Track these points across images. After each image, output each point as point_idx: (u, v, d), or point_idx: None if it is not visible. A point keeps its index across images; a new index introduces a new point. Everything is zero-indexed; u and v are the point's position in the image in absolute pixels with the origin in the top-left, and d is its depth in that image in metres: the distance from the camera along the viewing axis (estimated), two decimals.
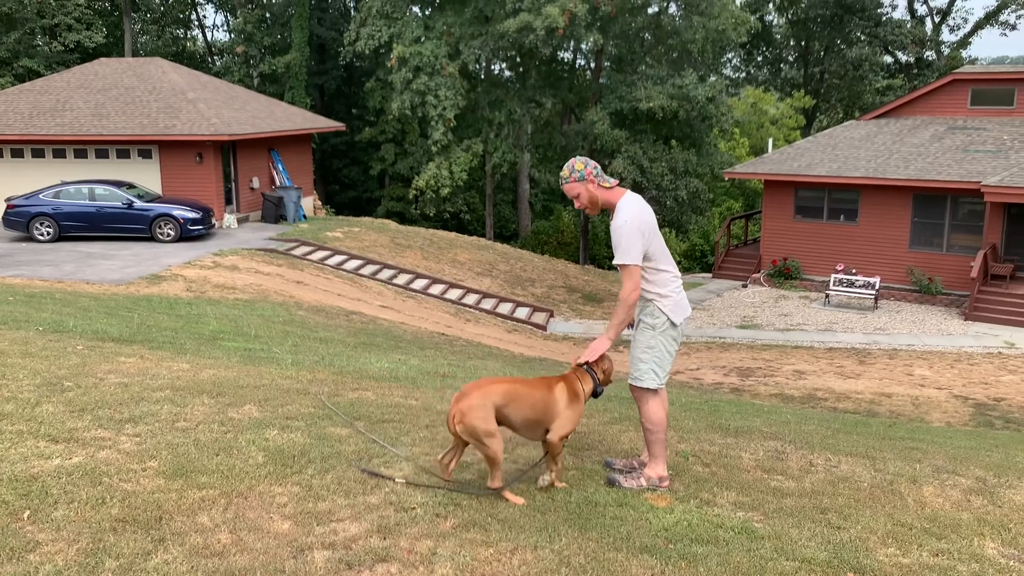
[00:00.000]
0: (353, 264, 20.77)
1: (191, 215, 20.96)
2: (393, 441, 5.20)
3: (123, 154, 23.75)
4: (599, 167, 4.70)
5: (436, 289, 20.68)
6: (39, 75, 34.28)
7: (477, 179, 39.64)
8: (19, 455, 4.45)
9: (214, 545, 3.58)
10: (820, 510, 4.61)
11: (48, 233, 20.54)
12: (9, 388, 5.79)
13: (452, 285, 21.26)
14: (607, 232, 37.58)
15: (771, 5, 46.10)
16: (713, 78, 33.75)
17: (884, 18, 42.77)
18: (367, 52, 32.88)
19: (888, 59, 45.17)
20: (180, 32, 49.83)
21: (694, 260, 36.85)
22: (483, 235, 36.36)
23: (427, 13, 34.29)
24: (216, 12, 56.31)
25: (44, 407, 5.37)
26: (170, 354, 8.02)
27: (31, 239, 20.57)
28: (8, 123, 23.59)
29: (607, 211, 4.71)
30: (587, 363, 4.66)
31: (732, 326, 20.51)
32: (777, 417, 8.62)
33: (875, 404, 13.60)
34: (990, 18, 44.15)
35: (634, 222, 4.51)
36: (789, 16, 45.90)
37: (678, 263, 34.94)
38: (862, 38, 42.48)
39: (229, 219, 23.76)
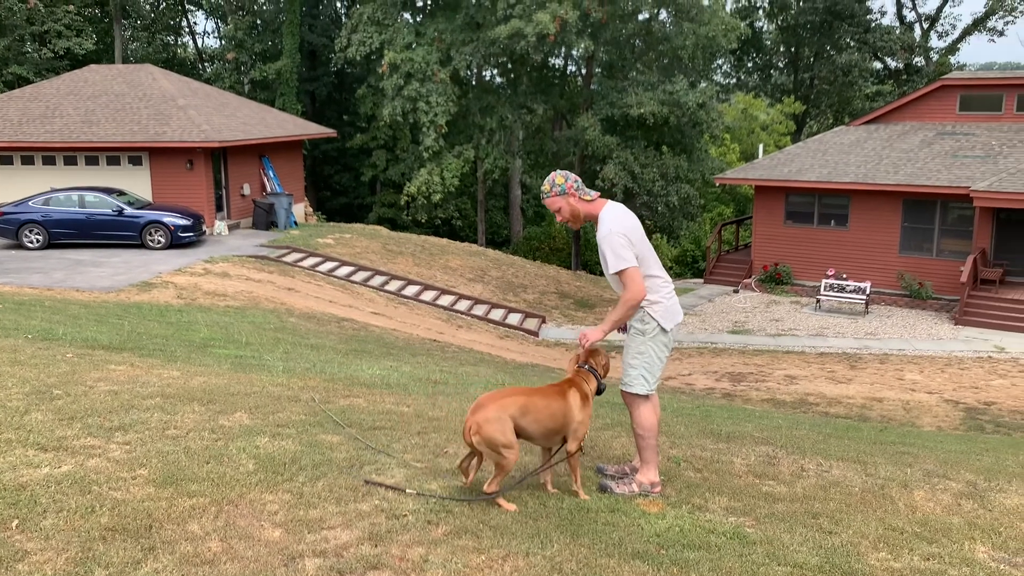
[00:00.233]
0: (344, 270, 20.74)
1: (182, 222, 20.90)
2: (385, 448, 5.18)
3: (113, 161, 23.68)
4: (580, 180, 4.72)
5: (428, 295, 20.66)
6: (29, 82, 34.16)
7: (469, 185, 39.65)
8: (8, 464, 4.42)
9: (204, 553, 3.56)
10: (812, 515, 4.61)
11: (37, 240, 20.44)
12: None
13: (444, 291, 21.24)
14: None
15: (761, 12, 46.33)
16: (704, 84, 33.89)
17: (873, 24, 43.02)
18: (358, 58, 32.88)
19: (877, 65, 45.42)
20: (170, 39, 49.77)
21: (685, 266, 36.92)
22: (475, 241, 36.38)
23: (418, 19, 34.34)
24: (207, 19, 56.32)
25: (33, 415, 5.34)
26: (160, 362, 7.99)
27: (20, 246, 20.47)
28: None
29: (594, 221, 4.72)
30: (588, 363, 4.69)
31: (723, 331, 20.54)
32: (768, 422, 8.63)
33: (866, 409, 13.64)
34: (978, 24, 44.45)
35: (619, 229, 4.53)
36: (779, 22, 46.13)
37: (669, 269, 35.08)
38: (851, 44, 42.70)
39: (220, 226, 23.70)
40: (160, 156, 23.39)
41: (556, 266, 30.80)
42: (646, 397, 4.71)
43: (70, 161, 23.76)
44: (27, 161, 23.88)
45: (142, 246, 20.72)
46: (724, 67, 48.97)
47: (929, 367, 16.96)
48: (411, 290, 20.68)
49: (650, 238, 36.04)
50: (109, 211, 20.64)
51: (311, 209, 31.28)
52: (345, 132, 40.13)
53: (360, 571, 3.50)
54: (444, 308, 20.12)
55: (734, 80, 50.42)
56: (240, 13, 42.75)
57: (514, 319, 20.67)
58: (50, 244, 20.52)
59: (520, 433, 4.38)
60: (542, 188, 4.73)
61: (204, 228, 22.15)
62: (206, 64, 48.50)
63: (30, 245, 20.40)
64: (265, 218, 24.73)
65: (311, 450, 5.01)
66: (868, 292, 21.88)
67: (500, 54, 31.07)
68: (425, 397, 7.37)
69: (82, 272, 17.43)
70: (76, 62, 36.29)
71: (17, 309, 11.69)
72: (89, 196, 20.78)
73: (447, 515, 4.12)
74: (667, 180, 30.58)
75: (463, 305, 20.68)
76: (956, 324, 20.42)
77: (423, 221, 36.57)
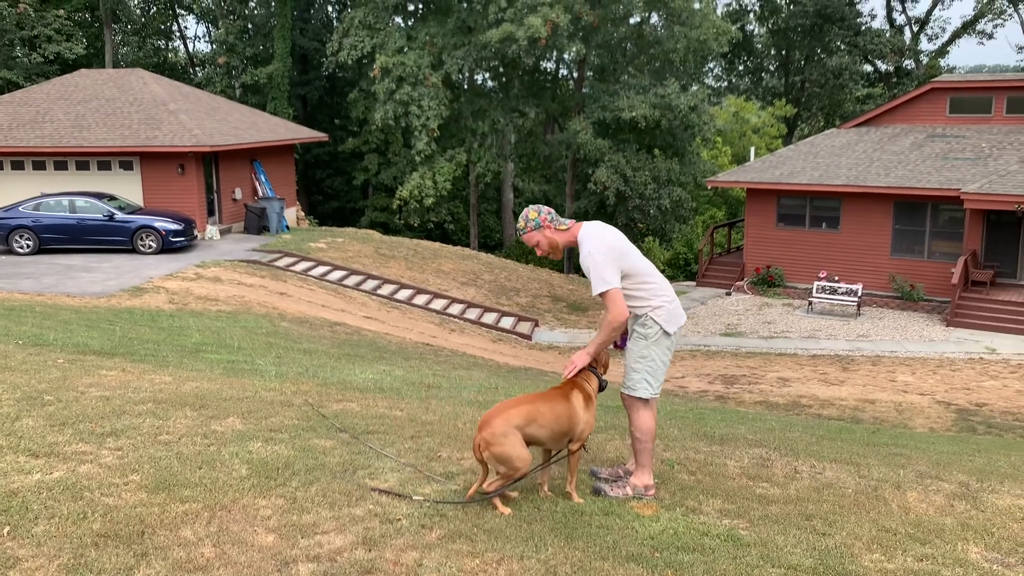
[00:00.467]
0: (337, 275, 20.70)
1: (173, 227, 20.84)
2: (378, 452, 5.17)
3: (104, 166, 23.60)
4: (553, 212, 4.73)
5: (421, 299, 20.64)
6: (18, 87, 34.04)
7: (461, 189, 39.65)
8: None
9: (197, 559, 3.54)
10: (805, 517, 4.62)
11: (28, 246, 20.35)
12: None
13: (437, 295, 21.23)
14: None
15: (752, 15, 46.49)
16: (695, 87, 33.95)
17: (863, 27, 43.21)
18: (350, 62, 32.87)
19: (868, 68, 45.62)
20: (161, 43, 49.66)
21: (678, 268, 36.97)
22: (467, 245, 36.36)
23: (410, 24, 34.34)
24: (198, 23, 56.18)
25: (24, 421, 5.31)
26: (152, 367, 7.96)
27: (10, 252, 20.37)
28: None
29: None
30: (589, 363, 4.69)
31: (716, 334, 20.58)
32: (762, 424, 8.65)
33: (859, 410, 13.68)
34: (967, 27, 44.69)
35: (599, 248, 4.52)
36: (770, 26, 46.29)
37: (662, 271, 35.06)
38: (842, 47, 42.88)
39: (211, 230, 23.64)
40: (151, 161, 23.32)
41: (549, 269, 30.80)
42: (646, 401, 4.71)
43: (60, 166, 23.67)
44: (17, 166, 23.78)
45: (133, 251, 20.65)
46: (715, 70, 49.10)
47: (921, 368, 17.02)
48: (404, 294, 20.66)
49: (642, 241, 36.16)
50: (100, 216, 20.57)
51: (303, 213, 31.24)
52: (337, 136, 40.10)
53: None
54: (437, 312, 20.10)
55: (725, 83, 50.57)
56: (231, 17, 42.68)
57: (507, 323, 20.67)
58: (41, 249, 20.44)
59: (529, 441, 4.40)
60: (517, 225, 4.76)
61: (195, 233, 22.09)
62: (197, 68, 48.39)
63: (20, 250, 20.31)
64: (257, 222, 24.68)
65: (304, 455, 4.99)
66: (860, 294, 21.95)
67: (492, 58, 31.10)
68: (418, 401, 7.36)
69: (73, 277, 17.36)
70: (66, 67, 36.16)
71: (7, 315, 11.63)
72: (80, 201, 20.71)
73: (441, 519, 4.11)
74: (659, 183, 30.64)
75: (456, 309, 20.67)
76: (947, 326, 20.50)
77: (415, 225, 36.56)
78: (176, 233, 20.84)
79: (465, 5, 31.68)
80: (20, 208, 20.58)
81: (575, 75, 35.23)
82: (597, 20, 29.79)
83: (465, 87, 35.28)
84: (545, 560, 3.72)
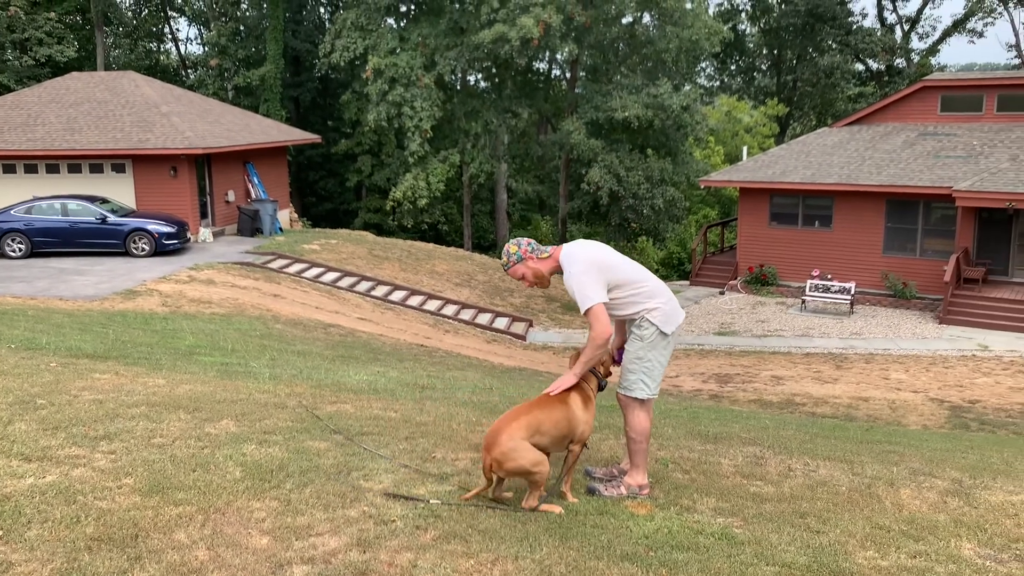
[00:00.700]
0: (331, 276, 20.68)
1: (166, 229, 20.79)
2: (372, 453, 5.17)
3: (96, 169, 23.54)
4: (533, 242, 4.73)
5: (415, 300, 20.63)
6: (9, 90, 33.91)
7: (454, 190, 39.63)
8: None
9: (191, 562, 3.53)
10: (799, 514, 4.63)
11: (20, 249, 20.28)
12: None
13: (431, 296, 21.22)
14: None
15: (743, 15, 46.58)
16: (687, 87, 34.03)
17: (855, 26, 43.33)
18: (342, 64, 32.83)
19: (859, 67, 45.74)
20: (153, 45, 49.51)
21: (671, 268, 37.03)
22: (461, 246, 36.35)
23: (402, 25, 34.33)
24: (189, 25, 56.11)
25: (17, 425, 5.29)
26: (145, 370, 7.94)
27: (2, 256, 20.29)
28: None
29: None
30: None
31: (710, 333, 20.61)
32: (755, 423, 8.67)
33: (852, 408, 13.71)
34: (958, 26, 44.84)
35: (579, 266, 4.52)
36: (761, 25, 46.39)
37: (655, 271, 35.16)
38: (833, 46, 42.99)
39: (204, 233, 23.59)
40: (143, 163, 23.26)
41: None
42: (642, 402, 4.71)
43: (52, 169, 23.60)
44: (8, 170, 23.70)
45: (126, 254, 20.59)
46: (707, 70, 49.20)
47: (914, 366, 17.07)
48: (398, 295, 20.65)
49: (636, 241, 36.20)
50: (92, 219, 20.51)
51: (296, 215, 31.18)
52: (330, 138, 40.05)
53: None
54: (431, 313, 20.09)
55: (718, 83, 50.66)
56: (223, 19, 42.59)
57: (501, 323, 20.67)
58: (33, 253, 20.37)
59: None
60: (501, 262, 4.77)
61: (189, 235, 22.04)
62: (189, 71, 48.27)
63: (12, 254, 20.24)
64: (250, 225, 24.64)
65: (298, 457, 4.99)
66: (853, 292, 22.01)
67: (484, 58, 31.10)
68: (413, 402, 7.36)
69: (66, 281, 17.30)
70: (58, 69, 36.03)
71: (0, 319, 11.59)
72: (72, 204, 20.65)
73: (436, 520, 4.11)
74: (652, 183, 30.67)
75: (450, 310, 20.66)
76: (940, 323, 20.57)
77: (409, 226, 36.53)
78: (169, 236, 20.79)
79: (457, 6, 31.68)
80: (12, 212, 20.51)
81: (568, 75, 35.26)
82: (589, 20, 29.82)
83: (458, 88, 35.28)
84: (540, 560, 3.72)
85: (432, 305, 20.64)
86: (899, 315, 21.71)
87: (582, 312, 4.49)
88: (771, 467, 5.70)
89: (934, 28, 46.97)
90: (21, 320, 11.65)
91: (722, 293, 24.90)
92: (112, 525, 3.83)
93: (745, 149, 34.98)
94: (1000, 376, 16.12)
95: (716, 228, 30.47)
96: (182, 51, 51.36)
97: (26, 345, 9.01)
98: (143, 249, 20.56)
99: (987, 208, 21.07)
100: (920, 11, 45.92)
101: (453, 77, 34.00)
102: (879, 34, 43.81)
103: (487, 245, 41.70)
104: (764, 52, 48.09)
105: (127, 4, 46.68)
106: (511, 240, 4.77)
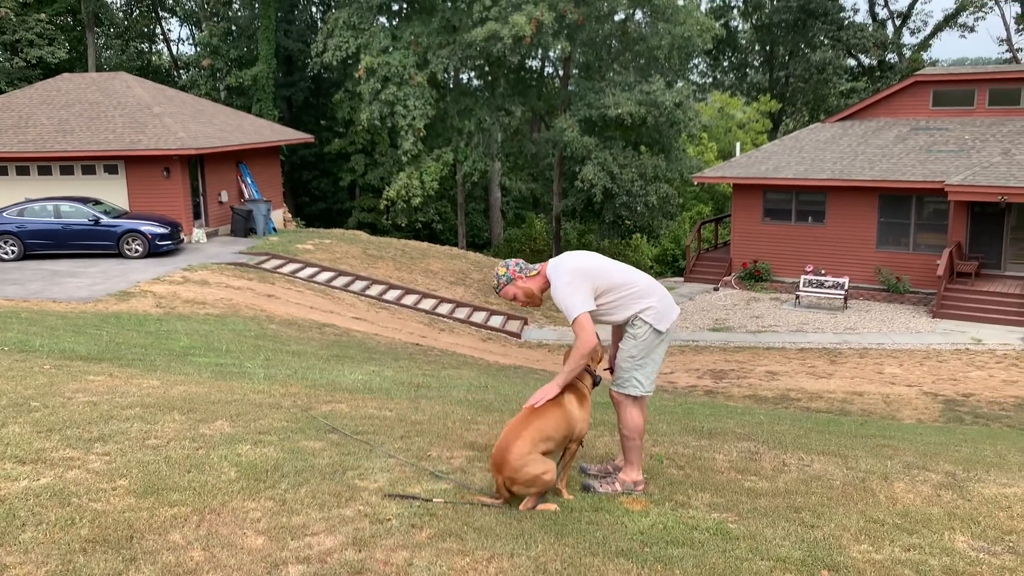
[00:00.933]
0: (325, 276, 20.66)
1: (159, 230, 20.75)
2: (368, 452, 5.17)
3: (88, 170, 23.46)
4: (521, 262, 4.76)
5: (409, 299, 20.62)
6: (0, 92, 33.79)
7: (448, 188, 39.62)
8: None
9: (187, 563, 3.53)
10: (794, 509, 4.65)
11: (12, 252, 20.22)
12: None
13: (425, 295, 21.21)
14: (580, 238, 37.72)
15: (735, 11, 46.62)
16: (680, 84, 34.06)
17: (846, 22, 43.41)
18: (335, 63, 32.79)
19: (851, 62, 45.83)
20: (144, 46, 49.38)
21: (666, 265, 37.06)
22: (455, 244, 36.35)
23: (394, 23, 34.29)
24: (181, 25, 55.85)
25: (10, 428, 5.28)
26: (140, 371, 7.93)
27: None
28: None
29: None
30: None
31: (705, 329, 20.64)
32: (750, 418, 8.69)
33: (847, 403, 13.75)
34: (949, 21, 44.96)
35: (564, 277, 4.53)
36: (753, 21, 46.44)
37: (649, 268, 35.18)
38: (825, 42, 43.07)
39: (198, 234, 23.54)
40: (136, 164, 23.20)
41: None
42: (635, 399, 4.72)
43: (44, 171, 23.52)
44: (0, 172, 23.61)
45: (119, 255, 20.55)
46: (700, 66, 49.25)
47: (908, 360, 17.13)
48: (392, 294, 20.63)
49: (630, 238, 36.23)
50: (85, 220, 20.46)
51: (290, 215, 31.15)
52: (323, 137, 40.00)
53: None
54: (426, 312, 20.09)
55: (710, 79, 50.72)
56: (215, 19, 42.50)
57: (496, 321, 20.68)
58: (26, 255, 20.31)
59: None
60: (492, 284, 4.80)
61: (182, 236, 22.00)
62: (181, 71, 48.16)
63: (5, 257, 20.17)
64: (244, 225, 24.60)
65: (293, 457, 4.99)
66: (846, 287, 22.06)
67: (477, 57, 31.09)
68: (408, 401, 7.36)
69: (59, 283, 17.26)
70: (49, 71, 35.92)
71: None
72: (65, 206, 20.59)
73: (431, 518, 4.11)
74: (646, 180, 30.70)
75: (445, 308, 20.66)
76: (933, 317, 20.63)
77: (403, 225, 36.52)
78: (162, 237, 20.75)
79: (449, 4, 31.65)
80: (4, 214, 20.43)
81: (561, 73, 35.26)
82: (582, 18, 29.82)
83: (451, 86, 35.25)
84: (535, 557, 3.73)
85: (427, 304, 20.63)
86: (893, 309, 21.77)
87: (570, 322, 4.50)
88: (766, 462, 5.72)
89: (925, 23, 47.07)
90: (14, 322, 11.62)
91: (716, 289, 24.93)
92: (107, 527, 3.82)
93: (738, 145, 34.98)
94: (993, 369, 16.18)
95: (710, 224, 30.50)
96: (174, 51, 51.26)
97: (19, 347, 8.99)
98: (136, 250, 20.52)
99: (979, 202, 21.13)
100: (911, 6, 46.05)
101: (446, 75, 33.97)
102: (871, 29, 43.91)
103: (481, 243, 41.71)
104: (756, 48, 48.15)
105: (118, 5, 46.57)
106: (499, 263, 4.80)
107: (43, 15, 36.74)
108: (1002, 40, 44.81)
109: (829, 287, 22.17)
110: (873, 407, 13.48)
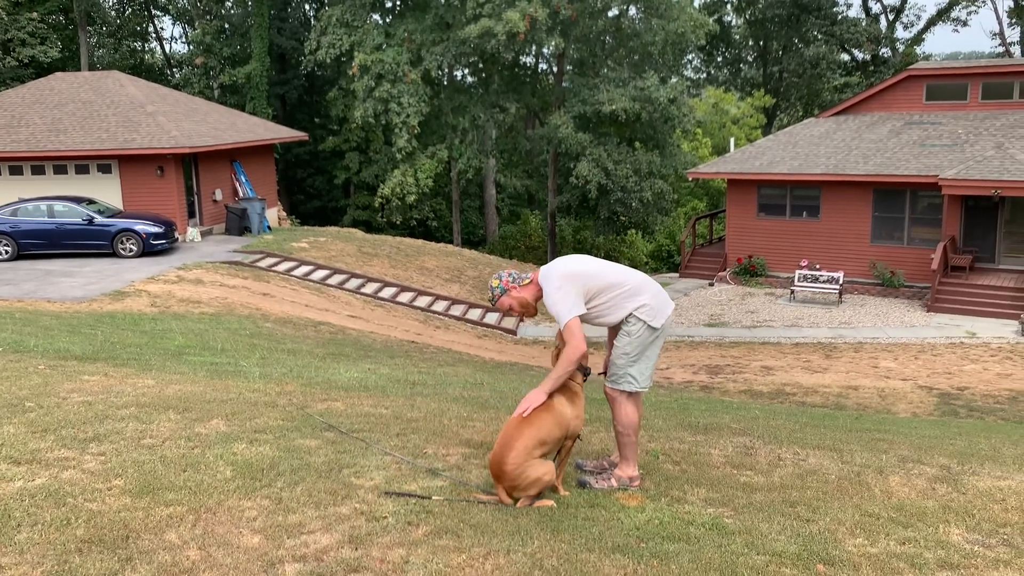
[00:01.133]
0: (320, 274, 20.64)
1: (154, 229, 20.70)
2: (364, 450, 5.17)
3: (82, 169, 23.40)
4: (514, 272, 4.77)
5: (405, 297, 20.61)
6: None
7: (443, 185, 39.59)
8: None
9: (183, 562, 3.53)
10: (789, 504, 4.66)
11: (6, 252, 20.16)
12: None
13: (421, 292, 21.20)
14: (575, 235, 37.72)
15: (729, 6, 46.65)
16: (674, 79, 34.05)
17: (840, 17, 43.46)
18: (328, 61, 32.73)
19: (845, 57, 45.90)
20: (137, 45, 49.23)
21: (661, 260, 37.09)
22: (450, 241, 36.32)
23: (387, 20, 34.23)
24: (174, 24, 55.77)
25: (5, 428, 5.27)
26: (135, 371, 7.92)
27: None
28: None
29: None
30: None
31: (700, 324, 20.67)
32: (746, 413, 8.70)
33: (842, 397, 13.78)
34: (942, 15, 45.05)
35: (553, 283, 4.54)
36: (747, 17, 46.47)
37: (644, 264, 35.21)
38: (819, 37, 43.11)
39: (192, 232, 23.50)
40: (130, 163, 23.15)
41: (533, 264, 30.83)
42: (630, 395, 4.72)
43: (38, 171, 23.45)
44: None
45: (114, 255, 20.50)
46: (694, 62, 49.27)
47: (903, 354, 17.17)
48: (388, 292, 20.62)
49: (625, 234, 36.25)
50: (79, 220, 20.40)
51: (284, 213, 31.09)
52: (317, 135, 39.93)
53: (341, 575, 3.49)
54: (421, 309, 20.08)
55: (704, 75, 50.75)
56: (208, 17, 42.38)
57: (492, 318, 20.67)
58: (19, 255, 20.25)
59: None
60: (487, 298, 4.81)
61: (176, 235, 21.95)
62: (174, 70, 48.03)
63: None
64: (238, 223, 24.56)
65: (289, 455, 4.98)
66: (841, 282, 22.10)
67: (471, 53, 31.05)
68: (404, 399, 7.35)
69: (53, 282, 17.21)
70: (41, 70, 35.79)
71: None
72: (58, 206, 20.53)
73: (427, 516, 4.12)
74: (640, 176, 30.72)
75: (440, 306, 20.65)
76: (928, 311, 20.68)
77: (398, 223, 36.48)
78: (157, 236, 20.70)
79: (443, 1, 31.61)
80: None
81: (555, 69, 35.23)
82: (575, 14, 29.81)
83: (445, 83, 35.22)
84: (531, 553, 3.73)
85: (422, 301, 20.63)
86: (887, 304, 21.82)
87: (560, 327, 4.50)
88: (761, 457, 5.73)
89: (918, 17, 47.31)
90: (8, 322, 11.59)
91: (711, 285, 24.96)
92: (102, 527, 3.82)
93: (732, 141, 35.03)
94: (988, 363, 16.23)
95: (705, 220, 30.53)
96: (167, 50, 51.09)
97: (14, 348, 8.96)
98: (131, 250, 20.47)
99: (973, 196, 21.18)
100: (904, 1, 46.09)
101: (440, 72, 33.94)
102: (864, 24, 43.96)
103: (477, 241, 41.69)
104: (750, 43, 48.19)
105: (110, 3, 46.39)
106: (493, 275, 4.81)
107: (35, 14, 36.60)
108: (995, 34, 44.92)
109: (824, 282, 22.21)
110: (868, 401, 13.51)
